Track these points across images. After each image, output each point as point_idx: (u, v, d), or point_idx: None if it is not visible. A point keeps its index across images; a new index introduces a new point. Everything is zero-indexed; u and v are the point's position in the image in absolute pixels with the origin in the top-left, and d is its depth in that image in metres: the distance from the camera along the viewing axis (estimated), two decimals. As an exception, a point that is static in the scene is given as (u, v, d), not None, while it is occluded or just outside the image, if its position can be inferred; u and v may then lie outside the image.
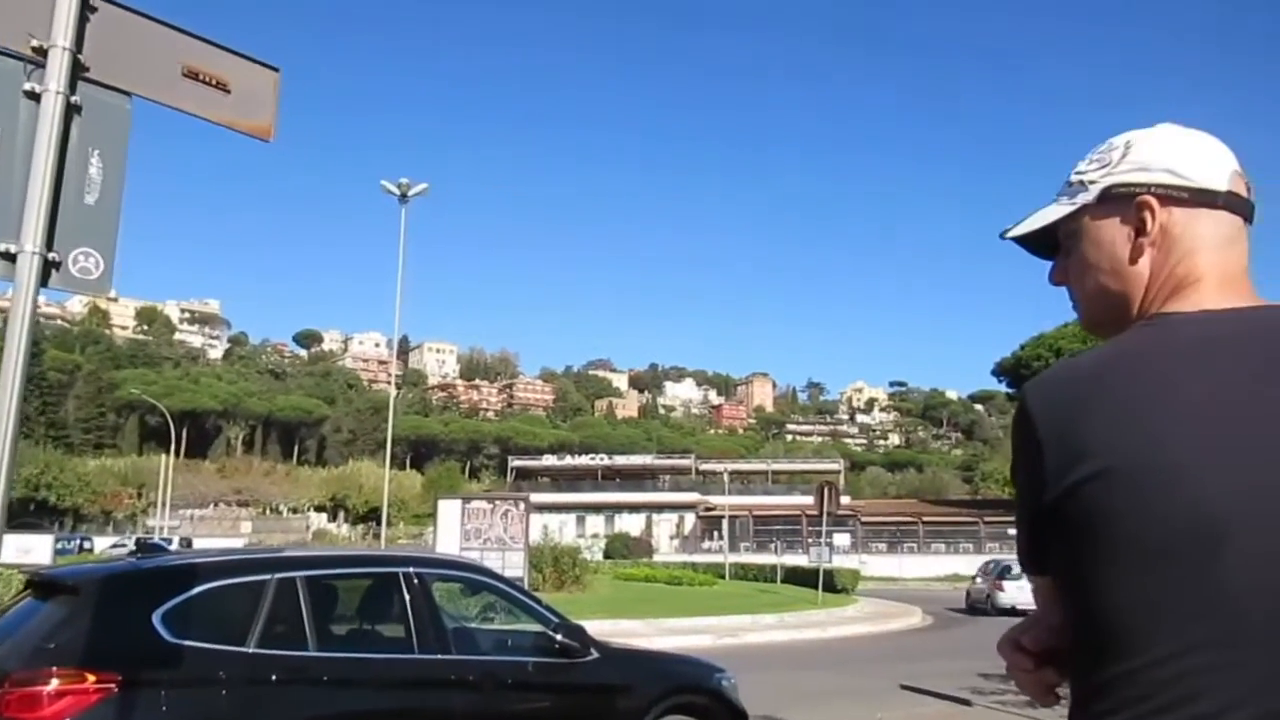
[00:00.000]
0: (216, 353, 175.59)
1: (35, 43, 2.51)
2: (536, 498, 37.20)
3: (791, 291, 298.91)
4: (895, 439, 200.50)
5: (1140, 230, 1.24)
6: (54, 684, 4.16)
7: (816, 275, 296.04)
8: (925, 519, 69.13)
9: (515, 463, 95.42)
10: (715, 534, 66.94)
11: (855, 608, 27.21)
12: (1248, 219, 1.25)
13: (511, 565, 19.27)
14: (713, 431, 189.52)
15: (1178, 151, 1.24)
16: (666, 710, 6.36)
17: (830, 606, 25.98)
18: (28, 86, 2.50)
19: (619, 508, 76.73)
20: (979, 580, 32.03)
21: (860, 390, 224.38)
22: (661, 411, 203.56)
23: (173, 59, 2.82)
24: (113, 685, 4.23)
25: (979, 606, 30.04)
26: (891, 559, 62.45)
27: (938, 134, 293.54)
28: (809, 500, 36.73)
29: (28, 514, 77.65)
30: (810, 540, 48.11)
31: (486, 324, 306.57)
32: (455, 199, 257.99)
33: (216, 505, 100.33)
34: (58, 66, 2.51)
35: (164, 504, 72.54)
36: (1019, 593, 27.14)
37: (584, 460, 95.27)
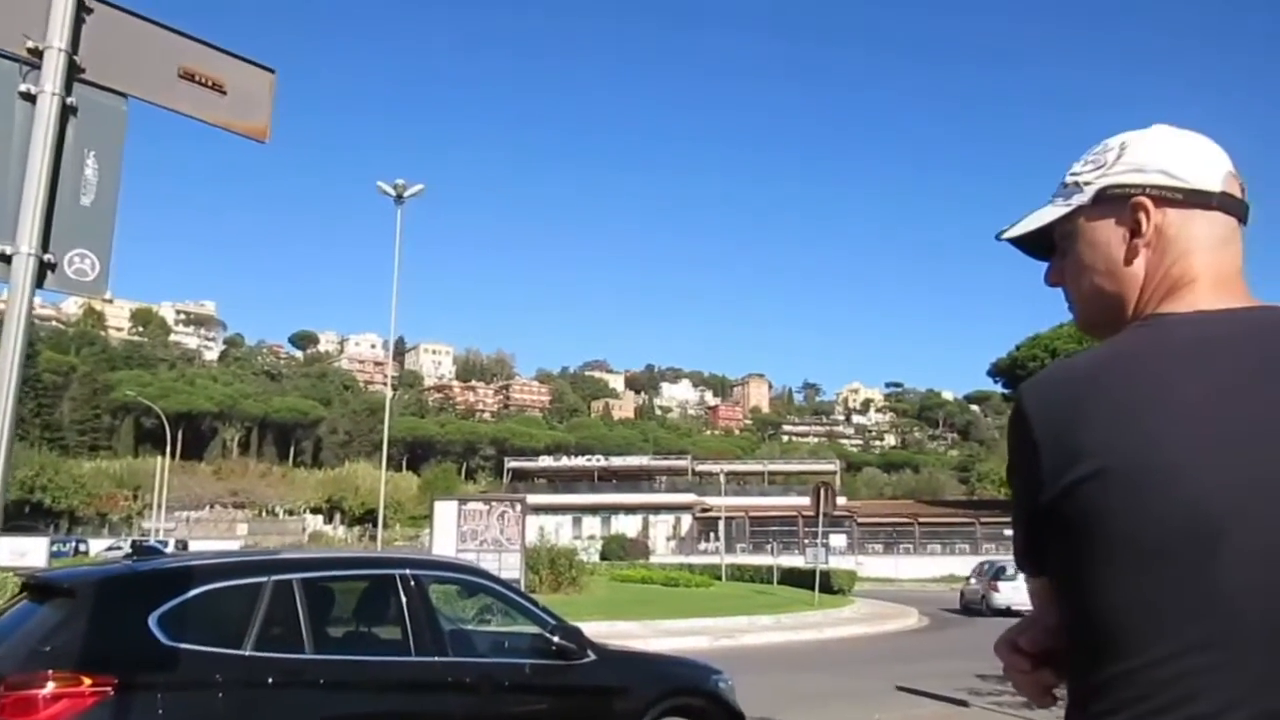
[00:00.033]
0: (212, 354, 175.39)
1: (31, 44, 2.50)
2: (533, 499, 37.20)
3: (788, 292, 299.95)
4: (891, 440, 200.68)
5: (1135, 231, 1.24)
6: (50, 687, 4.15)
7: (813, 276, 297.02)
8: (921, 520, 69.13)
9: (511, 464, 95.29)
10: (712, 535, 66.91)
11: (852, 609, 27.22)
12: (1242, 220, 1.25)
13: (508, 567, 19.29)
14: (709, 432, 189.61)
15: (1172, 153, 1.25)
16: (664, 712, 6.36)
17: (827, 608, 25.99)
18: (23, 88, 2.50)
19: (615, 509, 76.67)
20: (973, 581, 32.07)
21: (856, 391, 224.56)
22: (658, 412, 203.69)
23: (169, 60, 2.82)
24: (109, 688, 4.22)
25: (974, 607, 30.08)
26: (888, 560, 62.45)
27: (934, 135, 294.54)
28: (805, 501, 36.78)
29: (23, 516, 77.55)
30: (806, 541, 48.12)
31: (483, 325, 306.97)
32: (451, 200, 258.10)
33: (212, 507, 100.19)
34: (53, 68, 2.51)
35: (160, 506, 72.44)
36: (1014, 593, 27.26)
37: (580, 461, 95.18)
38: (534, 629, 6.17)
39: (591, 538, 64.61)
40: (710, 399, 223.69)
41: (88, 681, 4.20)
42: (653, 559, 57.93)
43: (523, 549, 21.22)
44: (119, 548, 52.67)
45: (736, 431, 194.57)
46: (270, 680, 4.76)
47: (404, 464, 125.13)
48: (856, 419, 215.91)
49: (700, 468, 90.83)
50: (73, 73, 2.57)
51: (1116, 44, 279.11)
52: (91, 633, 4.56)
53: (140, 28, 2.78)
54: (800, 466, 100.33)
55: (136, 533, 75.74)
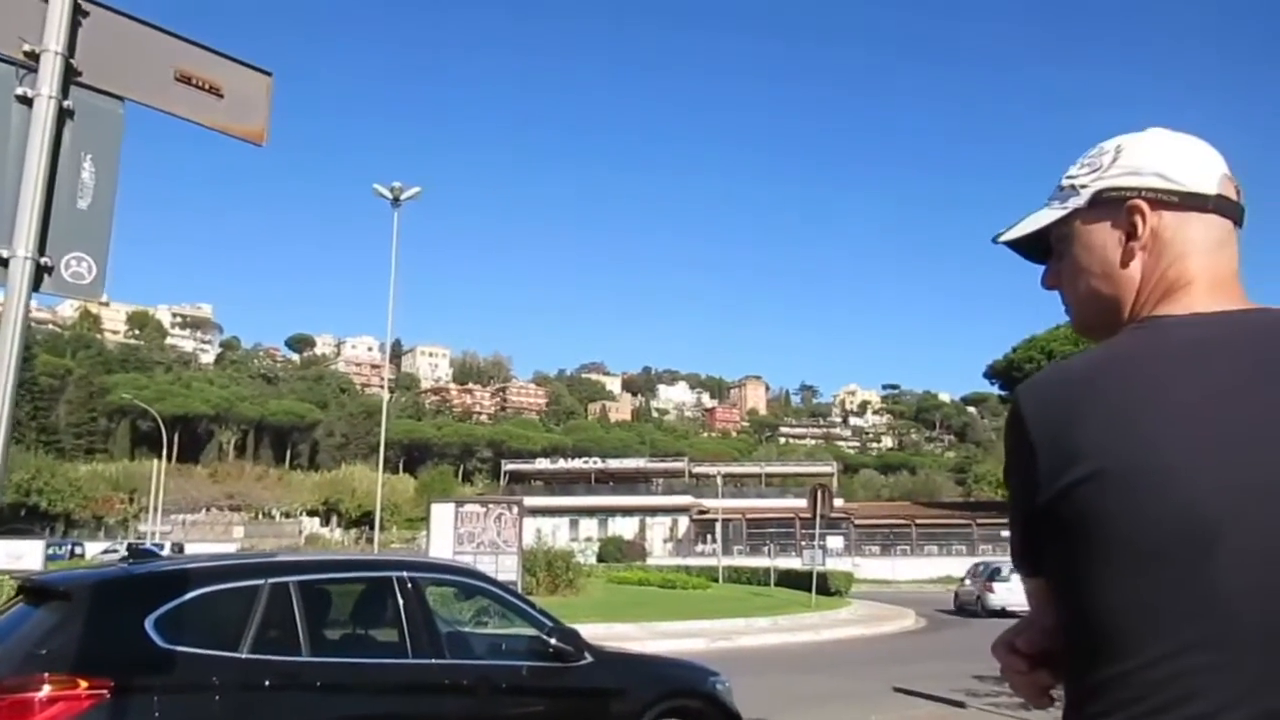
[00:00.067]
0: (208, 357, 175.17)
1: (27, 47, 2.50)
2: (530, 501, 37.16)
3: (784, 294, 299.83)
4: (888, 441, 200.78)
5: (1131, 234, 1.24)
6: (46, 690, 4.15)
7: (810, 278, 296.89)
8: (918, 521, 69.13)
9: (508, 466, 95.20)
10: (709, 537, 66.84)
11: (849, 610, 27.24)
12: (1238, 222, 1.26)
13: (505, 569, 19.27)
14: (706, 434, 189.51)
15: (1168, 156, 1.25)
16: (661, 714, 6.36)
17: (824, 609, 26.01)
18: (20, 91, 2.50)
19: (612, 511, 76.65)
20: (968, 582, 32.19)
21: (853, 393, 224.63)
22: (655, 415, 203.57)
23: (165, 63, 2.82)
24: (105, 691, 4.22)
25: (968, 608, 30.18)
26: (885, 561, 62.41)
27: (932, 136, 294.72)
28: (802, 503, 36.79)
29: (19, 519, 77.43)
30: (804, 543, 48.17)
31: (479, 328, 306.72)
32: (448, 202, 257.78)
33: (208, 510, 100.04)
34: (50, 71, 2.51)
35: (156, 509, 72.31)
36: (1009, 594, 27.40)
37: (577, 464, 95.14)
38: (531, 631, 6.17)
39: (588, 540, 64.60)
40: (707, 401, 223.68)
41: (84, 684, 4.19)
42: (650, 561, 57.84)
43: (520, 551, 21.20)
44: (115, 550, 52.62)
45: (733, 433, 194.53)
46: (267, 683, 4.76)
47: (401, 466, 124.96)
48: (853, 421, 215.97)
49: (697, 470, 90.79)
50: (69, 76, 2.57)
51: (1115, 46, 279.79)
52: (88, 636, 4.55)
53: (137, 31, 2.79)
54: (797, 468, 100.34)
55: (132, 536, 75.65)
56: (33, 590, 5.14)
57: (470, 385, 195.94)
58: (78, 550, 56.79)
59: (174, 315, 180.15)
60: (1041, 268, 1.37)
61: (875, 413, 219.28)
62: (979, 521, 64.45)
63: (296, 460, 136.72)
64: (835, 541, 58.63)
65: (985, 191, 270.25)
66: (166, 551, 48.01)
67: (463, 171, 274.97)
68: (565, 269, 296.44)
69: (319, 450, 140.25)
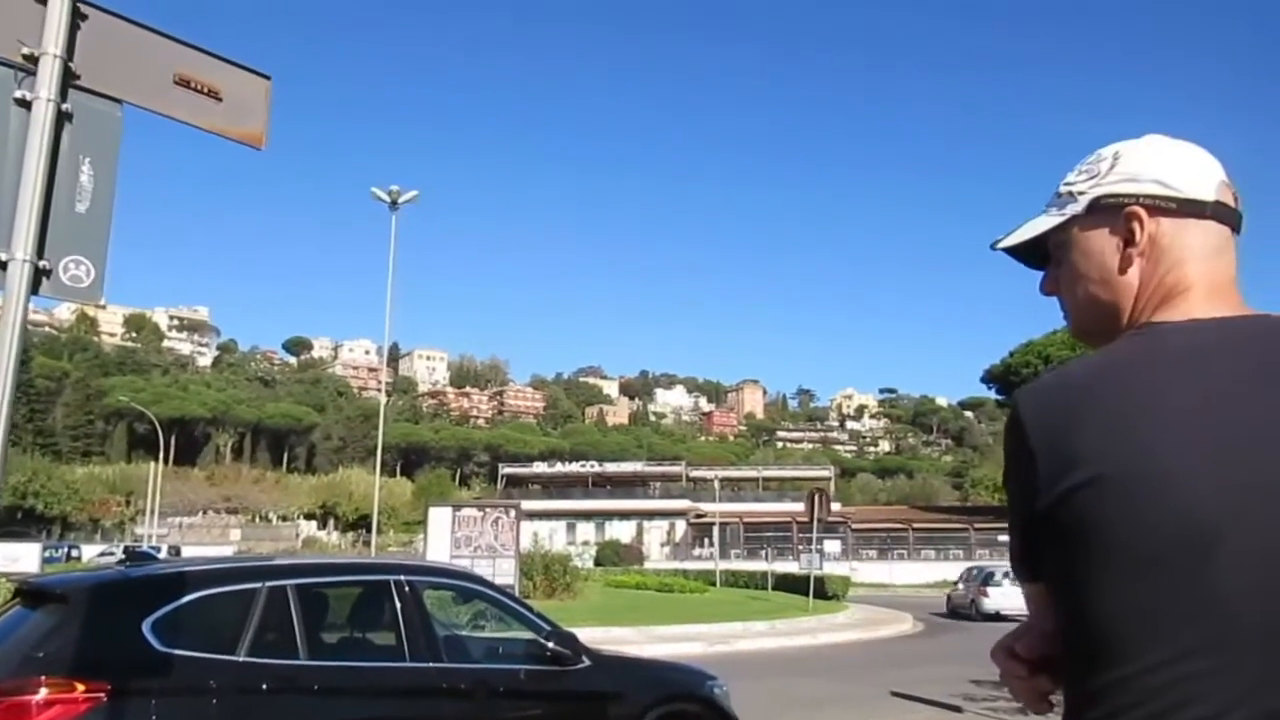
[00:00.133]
0: (205, 360, 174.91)
1: (26, 50, 2.51)
2: (527, 505, 37.11)
3: (782, 298, 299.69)
4: (885, 446, 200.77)
5: (1129, 240, 1.25)
6: (43, 693, 4.14)
7: (807, 282, 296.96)
8: (915, 525, 69.12)
9: (506, 470, 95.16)
10: (706, 541, 66.82)
11: (846, 614, 27.23)
12: (1235, 229, 1.26)
13: (502, 573, 19.22)
14: (703, 438, 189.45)
15: (1166, 162, 1.26)
16: (659, 718, 6.36)
17: (821, 613, 25.99)
18: (18, 94, 2.50)
19: (610, 515, 76.64)
20: (961, 586, 32.28)
21: (850, 397, 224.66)
22: (652, 418, 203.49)
23: (164, 66, 2.82)
24: (102, 694, 4.21)
25: (961, 611, 30.29)
26: (882, 565, 62.38)
27: (930, 141, 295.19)
28: (800, 507, 36.82)
29: (15, 522, 77.29)
30: (801, 547, 48.16)
31: (477, 331, 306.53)
32: (445, 205, 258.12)
33: (205, 513, 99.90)
34: (49, 74, 2.51)
35: (152, 512, 72.17)
36: (1003, 598, 27.63)
37: (574, 467, 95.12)
38: (529, 635, 6.16)
39: (586, 544, 64.51)
40: (704, 405, 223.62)
41: (81, 688, 4.19)
42: (647, 565, 57.80)
43: (517, 555, 21.17)
44: (112, 553, 52.47)
45: (731, 437, 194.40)
46: (264, 686, 4.75)
47: (398, 470, 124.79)
48: (851, 425, 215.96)
49: (694, 474, 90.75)
50: (68, 79, 2.58)
51: (1114, 53, 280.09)
52: (85, 639, 4.55)
53: (136, 34, 2.79)
54: (794, 472, 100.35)
55: (129, 538, 75.51)
56: (30, 593, 5.13)
57: (467, 389, 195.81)
58: (74, 553, 56.66)
59: (171, 318, 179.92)
60: (1040, 274, 1.38)
61: (872, 417, 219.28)
62: (976, 526, 64.47)
63: (293, 463, 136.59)
64: (832, 545, 58.48)
65: (983, 196, 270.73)
66: (163, 554, 48.00)
67: (460, 175, 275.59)
68: (563, 273, 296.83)
69: (316, 453, 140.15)
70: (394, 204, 29.75)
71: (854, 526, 67.26)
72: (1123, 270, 1.25)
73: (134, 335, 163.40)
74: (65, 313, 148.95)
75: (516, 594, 11.82)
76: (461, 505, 23.12)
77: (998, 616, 27.12)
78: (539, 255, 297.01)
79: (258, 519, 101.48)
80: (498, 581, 11.03)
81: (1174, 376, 1.12)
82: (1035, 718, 1.35)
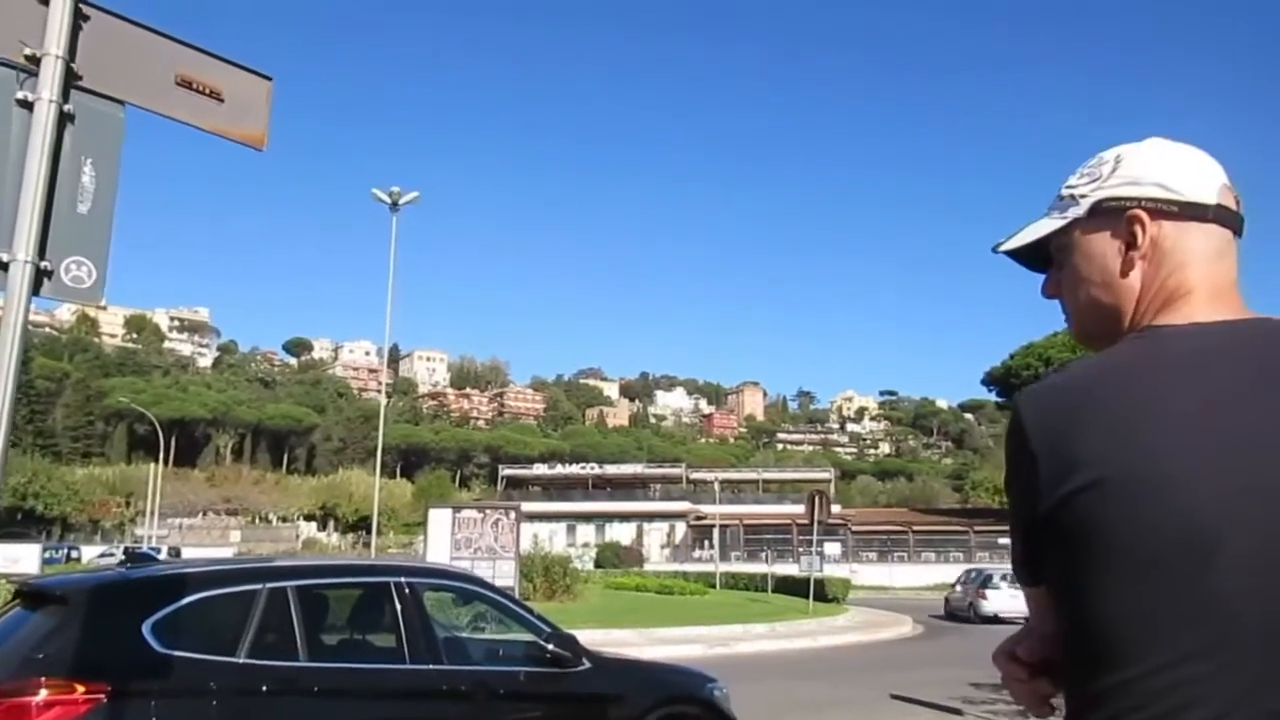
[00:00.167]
0: (206, 361, 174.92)
1: (28, 51, 2.51)
2: (527, 507, 37.11)
3: (782, 300, 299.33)
4: (885, 448, 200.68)
5: (1131, 244, 1.25)
6: (42, 694, 4.14)
7: (807, 285, 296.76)
8: (915, 528, 69.11)
9: (506, 471, 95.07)
10: (706, 543, 66.84)
11: (846, 617, 27.23)
12: (1237, 232, 1.26)
13: (502, 574, 19.22)
14: (703, 440, 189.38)
15: (1168, 165, 1.26)
16: (658, 720, 6.36)
17: (821, 616, 26.00)
18: (20, 95, 2.50)
19: (610, 517, 76.60)
20: (958, 588, 32.37)
21: (850, 399, 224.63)
22: (652, 420, 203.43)
23: (166, 67, 2.82)
24: (102, 696, 4.21)
25: (959, 614, 30.37)
26: (882, 568, 62.33)
27: (931, 143, 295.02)
28: (800, 509, 36.84)
29: (15, 523, 77.25)
30: (801, 549, 48.16)
31: (477, 333, 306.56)
32: (446, 207, 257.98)
33: (205, 514, 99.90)
34: (51, 75, 2.51)
35: (152, 513, 72.17)
36: (1002, 601, 27.77)
37: (575, 469, 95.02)
38: (529, 637, 6.16)
39: (586, 545, 64.54)
40: (705, 407, 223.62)
41: (80, 689, 4.19)
42: (647, 567, 57.82)
43: (517, 556, 21.17)
44: (111, 554, 52.46)
45: (731, 439, 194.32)
46: (264, 688, 4.76)
47: (398, 471, 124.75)
48: (851, 427, 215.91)
49: (695, 476, 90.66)
50: (70, 80, 2.58)
51: (1115, 54, 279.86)
52: (85, 640, 4.55)
53: (138, 35, 2.79)
54: (794, 474, 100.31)
55: (129, 539, 75.48)
56: (30, 594, 5.14)
57: (468, 390, 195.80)
58: (74, 554, 56.61)
59: (171, 319, 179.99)
60: (1042, 276, 1.38)
61: (873, 419, 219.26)
62: (976, 528, 64.46)
63: (293, 464, 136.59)
64: (832, 548, 58.55)
65: (983, 198, 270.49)
66: (163, 556, 47.97)
67: (461, 176, 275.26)
68: (563, 274, 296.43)
69: (316, 454, 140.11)
70: (394, 205, 29.77)
71: (854, 529, 67.23)
72: (1124, 273, 1.25)
73: (134, 336, 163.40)
74: (66, 313, 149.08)
75: (516, 596, 11.83)
76: (461, 507, 23.14)
77: (996, 619, 27.26)
78: (539, 257, 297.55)
79: (258, 520, 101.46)
80: (498, 583, 11.02)
81: (1175, 380, 1.12)
82: (1036, 721, 1.35)
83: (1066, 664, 1.16)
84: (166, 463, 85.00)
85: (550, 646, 5.97)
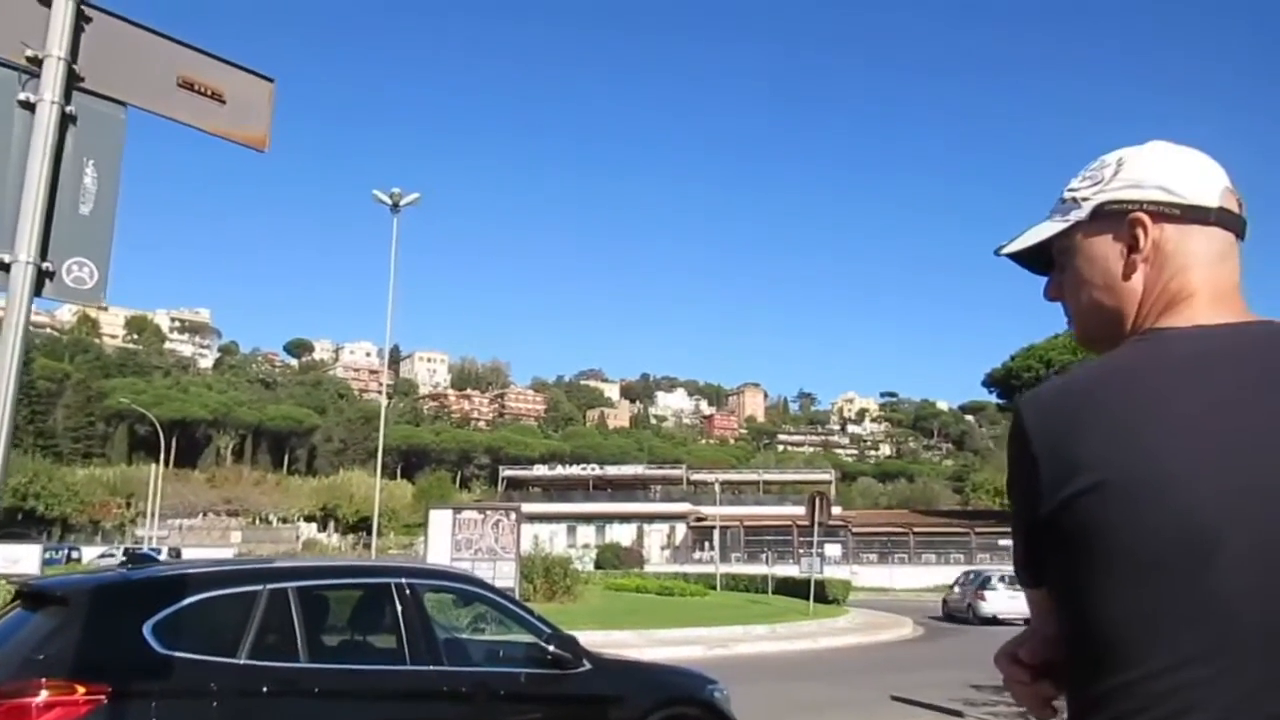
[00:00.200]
0: (207, 362, 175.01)
1: (30, 52, 2.51)
2: (527, 508, 37.13)
3: (783, 302, 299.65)
4: (886, 449, 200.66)
5: (1133, 247, 1.25)
6: (43, 695, 4.14)
7: (808, 286, 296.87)
8: (916, 529, 69.07)
9: (506, 472, 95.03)
10: (706, 544, 66.81)
11: (846, 618, 27.22)
12: (1239, 235, 1.26)
13: (503, 575, 19.24)
14: (704, 441, 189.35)
15: (1170, 168, 1.26)
16: (659, 721, 6.36)
17: (822, 617, 25.99)
18: (22, 96, 2.51)
19: (610, 518, 76.56)
20: (957, 590, 32.47)
21: (851, 401, 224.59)
22: (653, 421, 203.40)
23: (168, 69, 2.82)
24: (102, 697, 4.21)
25: (957, 615, 30.45)
26: (882, 569, 62.30)
27: (932, 145, 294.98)
28: (800, 511, 36.82)
29: (15, 523, 77.21)
30: (801, 551, 48.16)
31: (478, 334, 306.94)
32: (447, 208, 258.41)
33: (206, 515, 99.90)
34: (53, 76, 2.52)
35: (153, 514, 72.19)
36: (1001, 602, 27.92)
37: (575, 470, 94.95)
38: (529, 638, 6.16)
39: (586, 546, 64.57)
40: (705, 408, 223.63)
41: (81, 690, 4.19)
42: (647, 568, 57.78)
43: (517, 558, 21.18)
44: (112, 555, 52.48)
45: (731, 441, 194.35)
46: (265, 689, 4.76)
47: (398, 472, 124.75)
48: (851, 429, 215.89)
49: (695, 477, 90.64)
50: (72, 81, 2.58)
51: (1117, 58, 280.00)
52: (85, 641, 4.55)
53: (139, 36, 2.79)
54: (795, 476, 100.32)
55: (129, 540, 75.51)
56: (30, 595, 5.14)
57: (468, 391, 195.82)
58: (74, 555, 56.71)
59: (172, 320, 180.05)
60: (1043, 278, 1.38)
61: (873, 421, 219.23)
62: (977, 530, 64.43)
63: (294, 465, 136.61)
64: (833, 549, 58.52)
65: (985, 200, 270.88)
66: (164, 556, 47.99)
67: (462, 177, 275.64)
68: (564, 275, 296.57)
69: (317, 455, 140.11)
70: (395, 206, 29.78)
71: (854, 530, 67.21)
72: (1127, 276, 1.25)
73: (135, 337, 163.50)
74: (67, 314, 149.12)
75: (517, 597, 11.83)
76: (462, 508, 23.16)
77: (995, 620, 27.38)
78: (540, 258, 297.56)
79: (258, 521, 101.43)
80: (498, 584, 11.02)
81: (1177, 382, 1.12)
82: (1037, 723, 1.35)
83: (1068, 666, 1.16)
84: (167, 464, 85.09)
85: (551, 648, 5.97)
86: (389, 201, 29.74)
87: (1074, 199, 1.31)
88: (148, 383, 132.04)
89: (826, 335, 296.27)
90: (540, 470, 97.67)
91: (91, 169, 2.62)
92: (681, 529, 75.08)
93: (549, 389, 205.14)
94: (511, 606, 6.57)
